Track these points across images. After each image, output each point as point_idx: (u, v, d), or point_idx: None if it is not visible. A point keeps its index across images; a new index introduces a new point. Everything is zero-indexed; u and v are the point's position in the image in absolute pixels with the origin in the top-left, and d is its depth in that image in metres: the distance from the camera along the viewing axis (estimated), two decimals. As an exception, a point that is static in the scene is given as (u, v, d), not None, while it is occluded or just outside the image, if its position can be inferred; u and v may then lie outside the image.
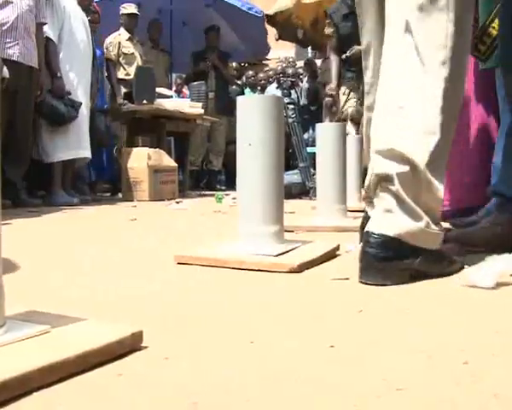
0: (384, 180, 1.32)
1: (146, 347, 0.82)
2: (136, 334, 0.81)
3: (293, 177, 5.07)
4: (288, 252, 1.54)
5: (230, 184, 6.95)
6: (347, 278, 1.33)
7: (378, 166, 1.34)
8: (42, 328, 0.79)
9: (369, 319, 0.99)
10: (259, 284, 1.30)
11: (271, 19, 7.69)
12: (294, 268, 1.40)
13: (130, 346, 0.79)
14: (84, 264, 1.63)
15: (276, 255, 1.49)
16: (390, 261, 1.27)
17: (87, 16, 4.74)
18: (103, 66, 5.65)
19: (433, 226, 1.32)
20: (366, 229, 1.33)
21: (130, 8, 6.24)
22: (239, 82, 8.59)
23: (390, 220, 1.30)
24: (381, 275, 1.26)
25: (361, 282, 1.28)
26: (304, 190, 5.09)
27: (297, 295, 1.21)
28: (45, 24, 4.11)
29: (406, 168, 1.30)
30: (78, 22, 4.45)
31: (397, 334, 0.90)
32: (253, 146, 1.54)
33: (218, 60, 7.04)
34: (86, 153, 4.46)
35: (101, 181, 5.74)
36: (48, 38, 4.21)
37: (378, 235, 1.28)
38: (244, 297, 1.18)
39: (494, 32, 1.91)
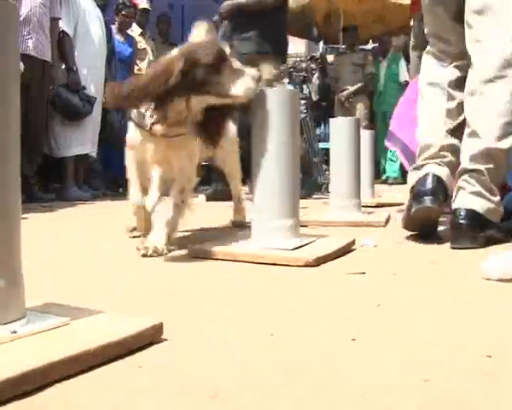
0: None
1: (165, 339, 0.82)
2: (156, 326, 0.80)
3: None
4: (303, 246, 1.53)
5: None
6: (364, 273, 1.32)
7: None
8: (61, 320, 0.79)
9: (388, 313, 0.98)
10: (276, 278, 1.30)
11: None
12: (310, 262, 1.40)
13: (150, 338, 0.79)
14: (98, 258, 1.63)
15: (292, 249, 1.48)
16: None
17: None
18: (133, 63, 5.59)
19: None
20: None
21: (143, 4, 6.23)
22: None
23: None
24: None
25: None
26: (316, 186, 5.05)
27: (314, 288, 1.20)
28: (59, 19, 4.12)
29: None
30: (93, 18, 4.45)
31: (416, 327, 0.89)
32: (268, 140, 1.53)
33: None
34: (95, 148, 4.47)
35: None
36: (64, 33, 4.21)
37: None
38: (261, 291, 1.17)
39: None
